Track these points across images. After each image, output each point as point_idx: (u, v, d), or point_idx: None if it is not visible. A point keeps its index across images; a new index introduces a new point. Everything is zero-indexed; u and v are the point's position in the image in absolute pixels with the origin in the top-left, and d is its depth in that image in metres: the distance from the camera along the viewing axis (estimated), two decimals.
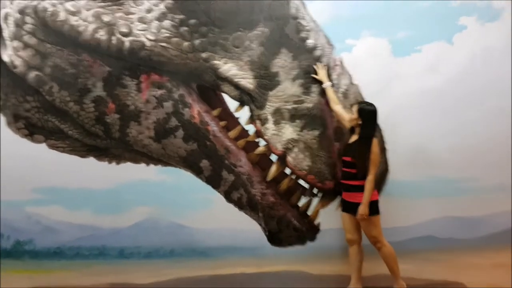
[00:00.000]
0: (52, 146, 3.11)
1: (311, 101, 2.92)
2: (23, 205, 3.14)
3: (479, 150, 3.33)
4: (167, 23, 2.80)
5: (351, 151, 2.90)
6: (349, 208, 2.93)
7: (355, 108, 2.93)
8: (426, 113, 3.26)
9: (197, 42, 2.82)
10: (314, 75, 2.93)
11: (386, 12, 3.25)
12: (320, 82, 2.93)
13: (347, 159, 2.91)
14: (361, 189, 2.87)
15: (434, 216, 3.30)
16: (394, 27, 3.27)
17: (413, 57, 3.25)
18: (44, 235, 3.10)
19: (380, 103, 2.98)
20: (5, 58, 2.88)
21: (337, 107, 2.93)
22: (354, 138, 2.94)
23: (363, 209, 2.84)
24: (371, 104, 2.94)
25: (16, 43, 2.83)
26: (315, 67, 2.93)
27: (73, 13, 2.77)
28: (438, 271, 3.31)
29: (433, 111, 3.27)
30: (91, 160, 3.10)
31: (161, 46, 2.79)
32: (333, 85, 2.97)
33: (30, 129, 3.03)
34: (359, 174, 2.86)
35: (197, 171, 2.99)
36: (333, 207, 3.06)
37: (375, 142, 2.90)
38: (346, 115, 2.92)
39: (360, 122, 2.89)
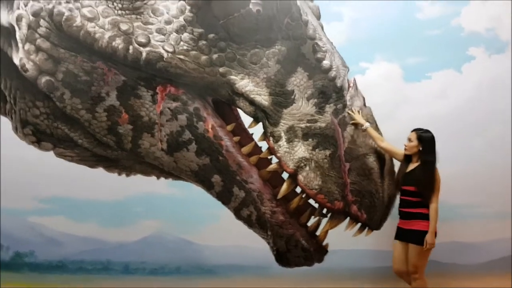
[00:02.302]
0: (60, 155, 2.95)
1: (324, 120, 2.84)
2: (25, 215, 2.93)
3: (482, 176, 3.32)
4: (186, 36, 2.70)
5: (413, 179, 2.88)
6: (404, 235, 2.91)
7: (413, 136, 2.94)
8: None
9: (215, 56, 2.72)
10: (352, 121, 2.87)
11: (398, 38, 3.25)
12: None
13: (409, 188, 2.90)
14: (419, 216, 2.88)
15: (439, 241, 3.22)
16: (406, 53, 3.27)
17: (424, 83, 3.26)
18: (46, 247, 2.88)
19: (389, 126, 2.97)
20: (16, 61, 2.71)
21: (385, 143, 2.91)
22: (412, 166, 2.93)
23: (431, 238, 2.83)
24: (428, 131, 2.96)
25: (28, 46, 2.66)
26: (350, 112, 2.88)
27: (90, 19, 2.63)
28: None
29: (439, 136, 3.19)
30: (99, 170, 2.94)
31: (179, 58, 2.67)
32: (345, 106, 2.91)
33: (38, 136, 2.85)
34: (425, 201, 2.86)
35: (208, 186, 2.86)
36: (342, 228, 2.95)
37: (437, 170, 2.90)
38: (398, 149, 2.94)
39: (420, 148, 2.91)
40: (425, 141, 2.91)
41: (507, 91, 3.37)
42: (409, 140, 2.95)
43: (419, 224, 2.88)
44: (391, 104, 3.28)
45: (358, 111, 2.91)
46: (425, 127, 3.01)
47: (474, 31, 3.36)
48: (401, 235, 2.94)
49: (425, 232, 2.86)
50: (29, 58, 2.66)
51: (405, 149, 2.94)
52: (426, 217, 2.89)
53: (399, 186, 2.93)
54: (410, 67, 3.32)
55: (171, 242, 3.05)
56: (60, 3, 2.65)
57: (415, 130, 2.96)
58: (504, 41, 3.42)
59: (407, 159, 2.95)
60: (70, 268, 3.01)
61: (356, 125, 2.89)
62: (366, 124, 2.90)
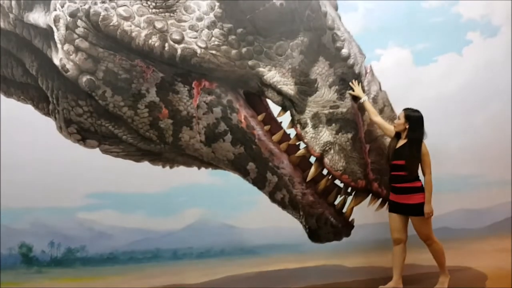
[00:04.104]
0: (106, 151, 3.00)
1: (345, 106, 3.03)
2: (75, 212, 2.98)
3: (484, 148, 3.62)
4: (216, 31, 2.80)
5: (402, 154, 3.01)
6: (399, 209, 3.06)
7: (401, 114, 3.08)
8: (441, 116, 3.51)
9: (244, 50, 2.84)
10: (351, 92, 3.03)
11: (408, 25, 3.48)
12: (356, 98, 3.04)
13: (398, 162, 3.02)
14: (411, 190, 3.02)
15: (449, 209, 3.53)
16: (415, 39, 3.51)
17: (431, 66, 3.51)
18: (97, 241, 2.95)
19: (403, 107, 3.13)
20: (56, 61, 2.73)
21: (378, 118, 3.05)
22: (401, 142, 3.06)
23: (429, 208, 3.00)
24: (417, 111, 3.10)
25: (67, 47, 2.69)
26: (351, 84, 3.03)
27: (126, 18, 2.68)
28: (452, 258, 3.43)
29: (447, 114, 3.53)
30: (143, 164, 3.02)
31: (211, 53, 2.78)
32: (364, 91, 3.10)
33: (83, 134, 2.90)
34: (409, 176, 2.99)
35: (244, 173, 3.01)
36: (365, 204, 3.18)
37: (424, 145, 3.04)
38: (389, 125, 3.08)
39: (407, 126, 3.04)
40: (412, 120, 3.04)
41: (502, 71, 3.70)
42: (398, 118, 3.09)
43: (416, 197, 3.02)
44: (404, 87, 3.49)
45: (359, 83, 3.05)
46: (434, 106, 3.26)
47: (471, 17, 3.65)
48: (399, 208, 3.06)
49: (423, 204, 3.01)
50: (69, 58, 2.70)
51: (394, 126, 3.09)
52: (420, 190, 3.04)
53: (389, 161, 3.08)
54: (420, 52, 3.56)
55: (214, 227, 3.18)
56: (96, 3, 2.68)
57: (404, 109, 3.11)
58: (496, 26, 3.74)
59: (397, 135, 3.10)
60: (121, 259, 3.09)
61: (355, 98, 3.05)
62: (364, 98, 3.06)
